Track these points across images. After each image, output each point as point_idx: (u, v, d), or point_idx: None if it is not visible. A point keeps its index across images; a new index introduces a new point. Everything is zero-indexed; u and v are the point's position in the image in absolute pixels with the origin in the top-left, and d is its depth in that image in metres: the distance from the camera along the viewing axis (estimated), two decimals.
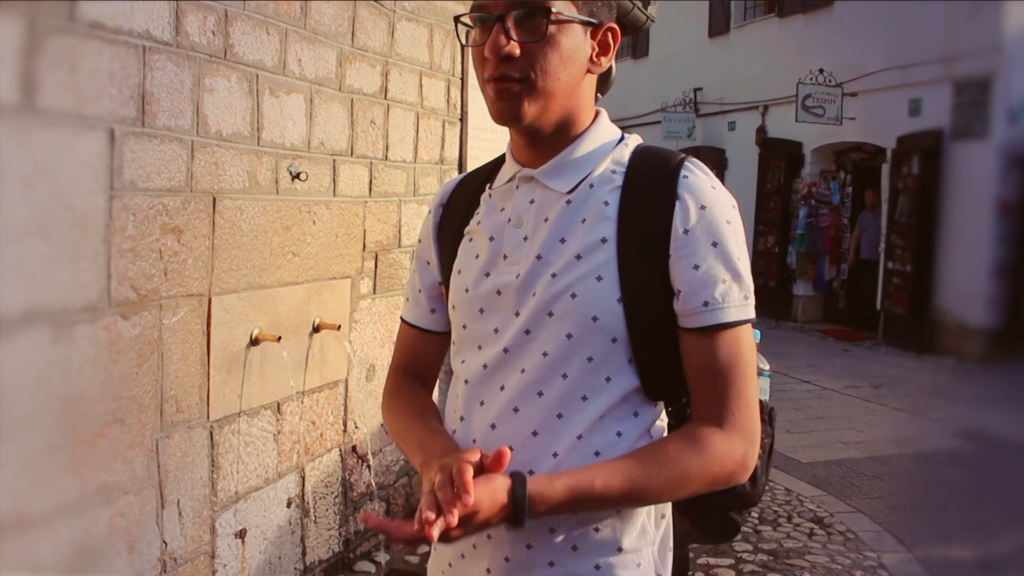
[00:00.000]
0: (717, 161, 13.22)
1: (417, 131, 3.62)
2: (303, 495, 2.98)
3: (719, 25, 14.01)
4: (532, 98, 1.10)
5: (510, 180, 1.20)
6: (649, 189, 1.12)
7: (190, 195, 2.31)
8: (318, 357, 2.99)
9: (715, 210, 1.10)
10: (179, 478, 2.33)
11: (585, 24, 1.12)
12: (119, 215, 2.05)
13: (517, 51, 1.08)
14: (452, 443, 1.17)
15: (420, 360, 1.34)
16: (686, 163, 1.14)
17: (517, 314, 1.13)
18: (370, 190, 3.29)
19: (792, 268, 11.83)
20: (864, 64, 10.24)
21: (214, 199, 2.41)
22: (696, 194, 1.10)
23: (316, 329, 2.95)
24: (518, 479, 1.02)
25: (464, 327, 1.20)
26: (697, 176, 1.12)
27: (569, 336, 1.10)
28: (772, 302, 11.39)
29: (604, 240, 1.11)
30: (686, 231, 1.09)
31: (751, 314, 1.12)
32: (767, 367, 1.33)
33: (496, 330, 1.15)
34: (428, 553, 1.30)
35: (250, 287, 2.58)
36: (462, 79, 3.95)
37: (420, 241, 1.35)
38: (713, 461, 1.07)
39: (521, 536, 1.11)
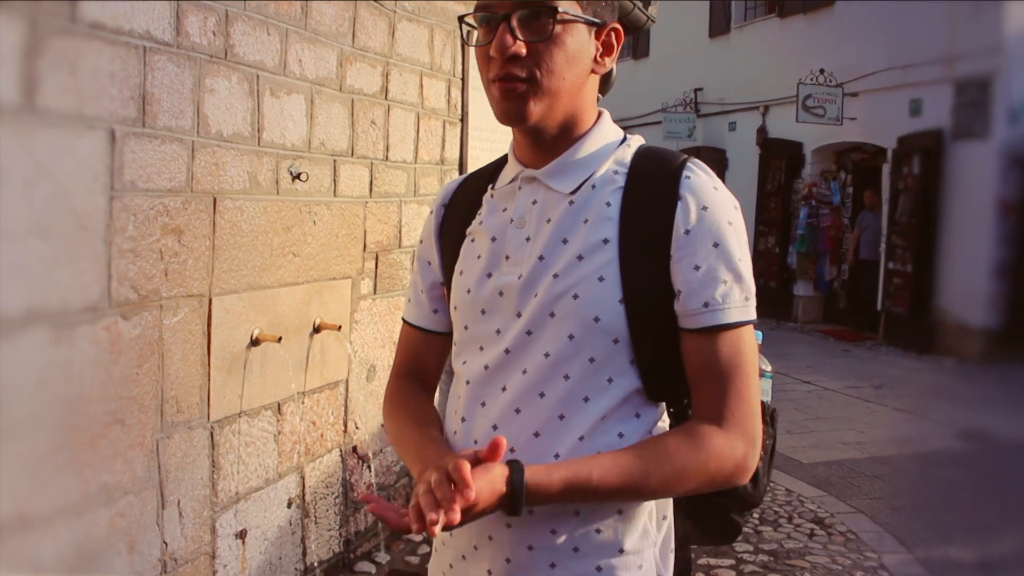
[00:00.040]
0: (718, 161, 13.22)
1: (418, 131, 3.62)
2: (303, 495, 2.98)
3: (720, 25, 14.01)
4: (537, 98, 1.09)
5: (512, 180, 1.20)
6: (651, 190, 1.12)
7: (191, 195, 2.31)
8: (318, 357, 2.98)
9: (717, 211, 1.10)
10: (179, 478, 2.33)
11: (590, 24, 1.12)
12: (120, 215, 2.05)
13: (523, 51, 1.08)
14: (449, 452, 1.16)
15: (422, 362, 1.34)
16: (688, 164, 1.14)
17: (519, 315, 1.13)
18: (371, 190, 3.29)
19: (793, 268, 11.83)
20: (865, 64, 10.24)
21: (215, 199, 2.41)
22: (698, 194, 1.10)
23: (316, 329, 2.95)
24: (515, 468, 1.02)
25: (466, 328, 1.20)
26: (699, 176, 1.12)
27: (571, 337, 1.09)
28: (773, 302, 11.39)
29: (606, 241, 1.10)
30: (687, 231, 1.09)
31: (752, 315, 1.11)
32: (769, 368, 1.33)
33: (498, 331, 1.15)
34: (428, 554, 1.30)
35: (251, 287, 2.58)
36: (463, 79, 3.95)
37: (422, 241, 1.35)
38: (712, 459, 1.07)
39: (522, 537, 1.11)
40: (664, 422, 1.17)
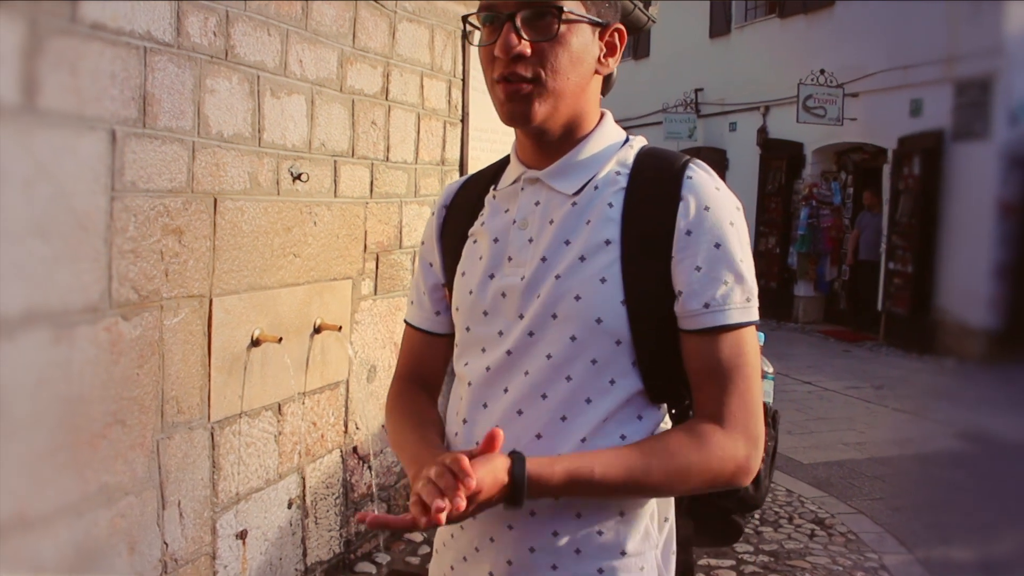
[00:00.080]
0: (718, 162, 13.21)
1: (418, 132, 3.62)
2: (304, 496, 2.98)
3: (720, 26, 14.01)
4: (542, 99, 1.09)
5: (515, 181, 1.20)
6: (653, 190, 1.12)
7: (191, 196, 2.31)
8: (319, 358, 2.98)
9: (718, 211, 1.10)
10: (180, 479, 2.33)
11: (594, 25, 1.11)
12: (120, 216, 2.05)
13: (528, 50, 1.07)
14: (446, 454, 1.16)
15: (425, 364, 1.33)
16: (690, 164, 1.13)
17: (521, 316, 1.13)
18: (371, 191, 3.29)
19: (793, 269, 11.83)
20: (865, 65, 10.24)
21: (215, 200, 2.41)
22: (699, 195, 1.10)
23: (317, 330, 2.95)
24: (517, 459, 1.02)
25: (467, 329, 1.20)
26: (701, 177, 1.12)
27: (573, 338, 1.09)
28: (773, 303, 11.39)
29: (608, 242, 1.10)
30: (689, 232, 1.09)
31: (754, 317, 1.11)
32: (771, 370, 1.33)
33: (500, 332, 1.15)
34: (429, 554, 1.30)
35: (251, 288, 2.58)
36: (463, 80, 3.95)
37: (423, 243, 1.34)
38: (714, 458, 1.07)
39: (524, 539, 1.11)
40: (666, 424, 1.16)
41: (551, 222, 1.14)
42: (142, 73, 2.10)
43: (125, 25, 2.04)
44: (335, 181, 3.04)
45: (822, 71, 10.64)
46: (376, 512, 1.14)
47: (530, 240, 1.15)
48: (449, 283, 1.26)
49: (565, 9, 1.08)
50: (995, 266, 8.68)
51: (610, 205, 1.12)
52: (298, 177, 2.79)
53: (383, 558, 3.41)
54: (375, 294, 3.37)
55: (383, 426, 3.47)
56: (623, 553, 1.12)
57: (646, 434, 1.12)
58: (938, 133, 9.33)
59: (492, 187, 1.25)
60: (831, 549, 3.99)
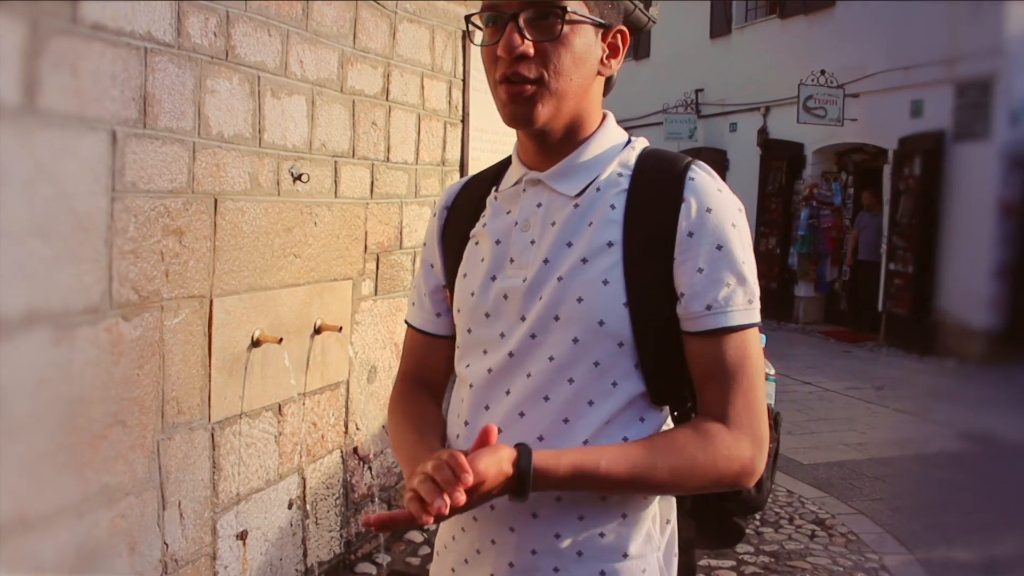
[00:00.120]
0: (718, 162, 13.21)
1: (419, 132, 3.62)
2: (304, 497, 2.98)
3: (720, 26, 14.00)
4: (545, 100, 1.09)
5: (517, 183, 1.20)
6: (655, 192, 1.11)
7: (191, 197, 2.31)
8: (319, 359, 2.98)
9: (720, 213, 1.10)
10: (180, 479, 2.33)
11: (597, 26, 1.11)
12: (120, 217, 2.05)
13: (531, 50, 1.07)
14: None
15: (427, 366, 1.32)
16: (692, 166, 1.13)
17: (523, 318, 1.13)
18: (371, 191, 3.29)
19: (793, 269, 11.82)
20: (866, 65, 10.23)
21: (216, 201, 2.41)
22: (701, 197, 1.10)
23: (317, 331, 2.95)
24: (523, 450, 1.02)
25: (469, 331, 1.20)
26: (703, 179, 1.12)
27: (576, 340, 1.09)
28: (773, 303, 11.37)
29: (610, 244, 1.10)
30: (691, 234, 1.08)
31: (756, 318, 1.11)
32: (772, 371, 1.32)
33: (502, 334, 1.15)
34: (429, 555, 1.30)
35: (251, 289, 2.58)
36: (464, 80, 3.95)
37: (425, 244, 1.34)
38: (720, 457, 1.06)
39: (526, 541, 1.11)
40: (668, 426, 1.16)
41: (553, 224, 1.14)
42: (143, 74, 2.10)
43: (126, 26, 2.04)
44: (335, 182, 3.04)
45: (823, 72, 10.64)
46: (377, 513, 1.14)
47: (532, 242, 1.15)
48: (450, 284, 1.26)
49: (568, 9, 1.07)
50: (996, 267, 8.67)
51: (612, 207, 1.12)
52: (298, 178, 2.79)
53: (383, 559, 3.41)
54: (375, 295, 3.37)
55: (383, 427, 3.46)
56: (625, 555, 1.11)
57: None
58: (939, 134, 9.33)
59: (494, 188, 1.25)
60: (831, 550, 3.98)
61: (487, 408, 1.15)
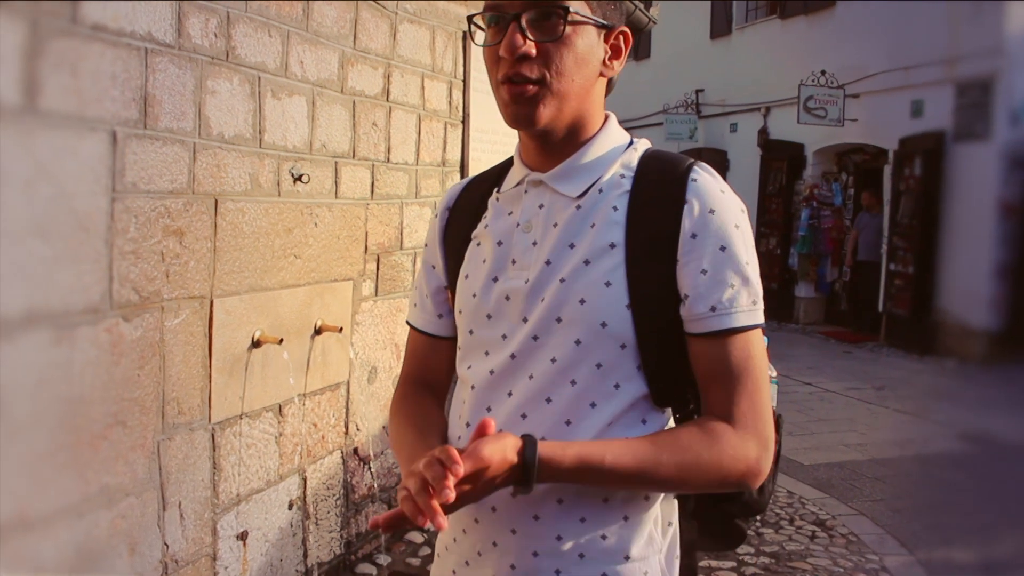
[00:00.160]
0: (719, 163, 13.21)
1: (419, 133, 3.62)
2: (304, 497, 2.98)
3: (721, 26, 14.01)
4: (547, 101, 1.09)
5: (519, 184, 1.19)
6: (658, 193, 1.11)
7: (192, 197, 2.31)
8: (319, 359, 2.98)
9: (724, 214, 1.09)
10: (180, 480, 2.32)
11: (599, 27, 1.11)
12: (121, 217, 2.05)
13: (533, 51, 1.07)
14: None
15: (429, 367, 1.32)
16: (695, 167, 1.13)
17: (525, 320, 1.12)
18: (372, 192, 3.29)
19: (794, 270, 11.82)
20: (866, 65, 10.23)
21: (216, 201, 2.41)
22: (704, 198, 1.10)
23: (318, 331, 2.94)
24: (528, 440, 1.02)
25: (471, 332, 1.19)
26: (706, 180, 1.12)
27: (578, 342, 1.09)
28: (774, 304, 11.32)
29: (613, 245, 1.10)
30: (694, 235, 1.08)
31: (760, 319, 1.10)
32: (774, 373, 1.32)
33: (504, 336, 1.14)
34: (429, 556, 1.30)
35: (252, 289, 2.58)
36: (464, 81, 3.95)
37: (426, 245, 1.34)
38: (725, 456, 1.06)
39: (528, 543, 1.10)
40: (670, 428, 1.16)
41: (555, 225, 1.14)
42: (143, 74, 2.10)
43: (126, 26, 2.03)
44: (336, 182, 3.04)
45: (823, 72, 10.64)
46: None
47: (534, 243, 1.14)
48: (452, 286, 1.26)
49: (571, 10, 1.07)
50: (996, 267, 8.67)
51: (614, 208, 1.12)
52: (299, 178, 2.78)
53: (384, 559, 3.40)
54: (376, 295, 3.36)
55: (384, 427, 3.46)
56: (627, 558, 1.11)
57: None
58: (939, 134, 9.33)
59: (495, 189, 1.25)
60: (832, 551, 3.98)
61: (489, 410, 1.14)
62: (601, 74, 1.15)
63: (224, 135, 2.43)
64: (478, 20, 1.13)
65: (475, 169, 3.83)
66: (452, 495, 0.93)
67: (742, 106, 12.97)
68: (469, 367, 1.19)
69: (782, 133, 12.12)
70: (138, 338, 2.13)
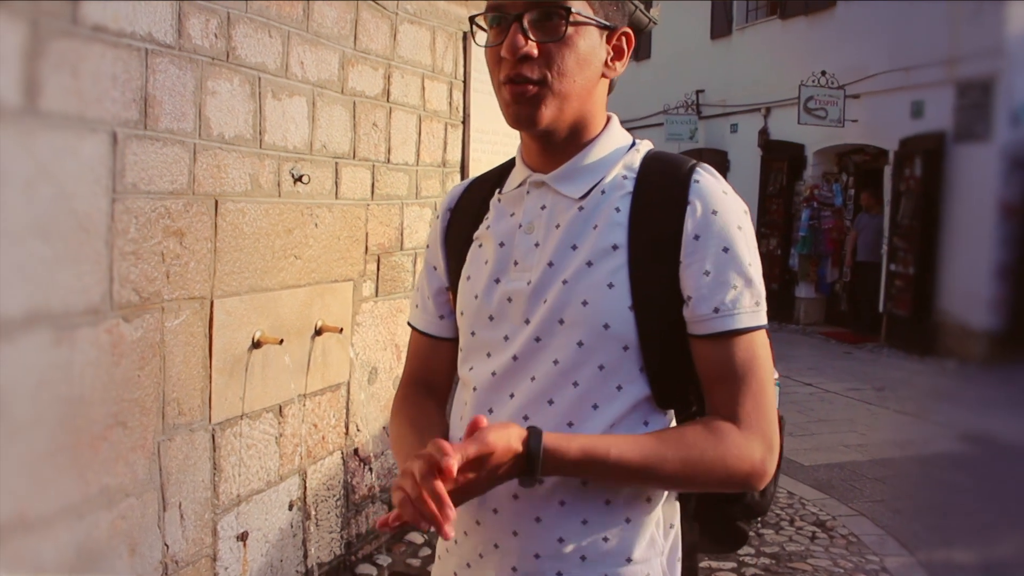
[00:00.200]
0: (719, 163, 13.21)
1: (419, 134, 3.62)
2: (305, 498, 2.98)
3: (721, 27, 14.01)
4: (548, 101, 1.08)
5: (521, 185, 1.19)
6: (660, 195, 1.11)
7: (192, 198, 2.31)
8: (320, 360, 2.98)
9: (726, 215, 1.09)
10: (181, 481, 2.32)
11: (601, 28, 1.11)
12: (121, 218, 2.05)
13: (535, 51, 1.07)
14: None
15: (430, 368, 1.32)
16: (697, 168, 1.13)
17: (527, 321, 1.12)
18: (372, 193, 3.29)
19: (794, 270, 11.82)
20: (866, 66, 10.23)
21: (216, 202, 2.40)
22: (707, 199, 1.09)
23: (318, 332, 2.94)
24: (534, 431, 1.02)
25: (473, 334, 1.19)
26: (708, 181, 1.11)
27: (580, 344, 1.08)
28: (774, 304, 11.14)
29: (615, 247, 1.09)
30: (697, 236, 1.08)
31: (763, 320, 1.10)
32: (776, 376, 1.32)
33: (506, 337, 1.14)
34: (430, 556, 1.29)
35: (252, 290, 2.58)
36: (464, 82, 3.95)
37: (428, 246, 1.33)
38: (730, 455, 1.06)
39: (529, 546, 1.10)
40: None
41: (557, 226, 1.13)
42: (143, 75, 2.10)
43: (126, 27, 2.03)
44: (336, 183, 3.04)
45: (823, 72, 10.64)
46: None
47: (536, 244, 1.14)
48: (453, 287, 1.25)
49: (573, 11, 1.07)
50: (996, 267, 8.67)
51: (617, 210, 1.11)
52: (299, 179, 2.78)
53: (384, 560, 3.40)
54: (376, 296, 3.36)
55: (384, 428, 3.46)
56: (629, 560, 1.11)
57: None
58: (939, 135, 9.33)
59: (497, 190, 1.24)
60: (832, 551, 3.98)
61: (491, 411, 1.14)
62: (603, 75, 1.14)
63: (224, 136, 2.43)
64: (480, 20, 1.13)
65: (476, 170, 3.84)
66: (441, 488, 0.92)
67: (742, 107, 12.98)
68: (471, 368, 1.19)
69: (782, 134, 12.12)
70: (138, 339, 2.13)
